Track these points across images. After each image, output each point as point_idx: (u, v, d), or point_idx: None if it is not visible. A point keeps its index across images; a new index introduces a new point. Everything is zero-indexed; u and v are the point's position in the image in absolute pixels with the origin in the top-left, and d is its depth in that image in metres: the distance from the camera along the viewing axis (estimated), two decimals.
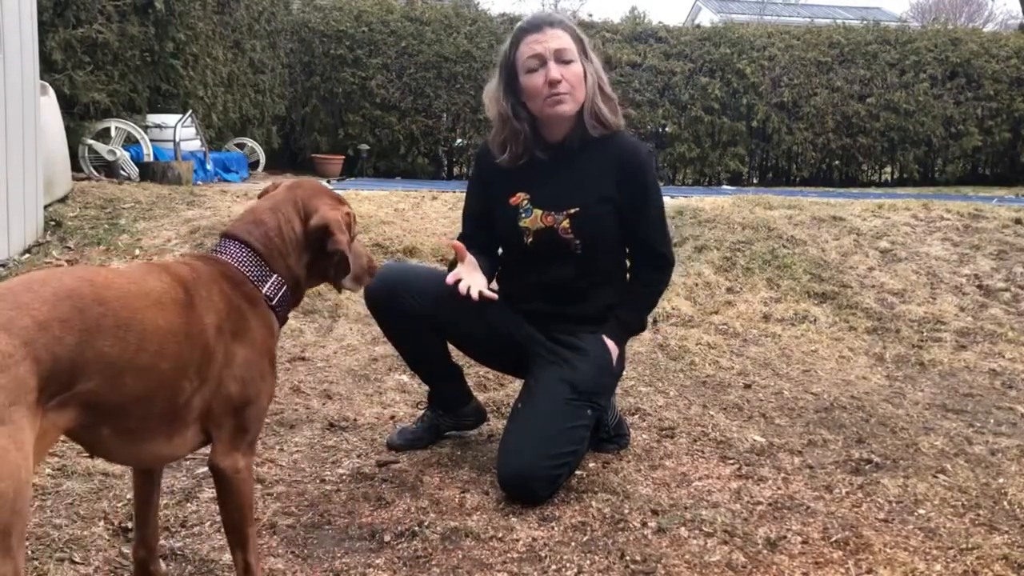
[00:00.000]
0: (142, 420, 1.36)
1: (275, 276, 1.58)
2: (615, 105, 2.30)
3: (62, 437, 1.30)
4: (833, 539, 1.97)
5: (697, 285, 4.44)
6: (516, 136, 2.28)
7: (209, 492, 2.08)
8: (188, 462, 2.24)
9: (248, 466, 1.52)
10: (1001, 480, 2.38)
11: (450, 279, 2.15)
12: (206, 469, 2.20)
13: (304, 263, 1.64)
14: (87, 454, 1.48)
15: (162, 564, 1.69)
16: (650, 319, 4.02)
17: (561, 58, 2.19)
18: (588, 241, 2.26)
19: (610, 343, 2.31)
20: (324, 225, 1.61)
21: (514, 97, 2.27)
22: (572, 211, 2.25)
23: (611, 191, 2.26)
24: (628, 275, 2.42)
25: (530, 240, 2.29)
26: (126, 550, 1.77)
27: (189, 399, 1.42)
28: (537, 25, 2.23)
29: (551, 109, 2.22)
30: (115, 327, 1.28)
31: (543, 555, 1.85)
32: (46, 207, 4.92)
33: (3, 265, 4.27)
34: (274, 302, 1.58)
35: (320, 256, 1.65)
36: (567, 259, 2.28)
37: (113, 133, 6.84)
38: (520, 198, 2.30)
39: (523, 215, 2.29)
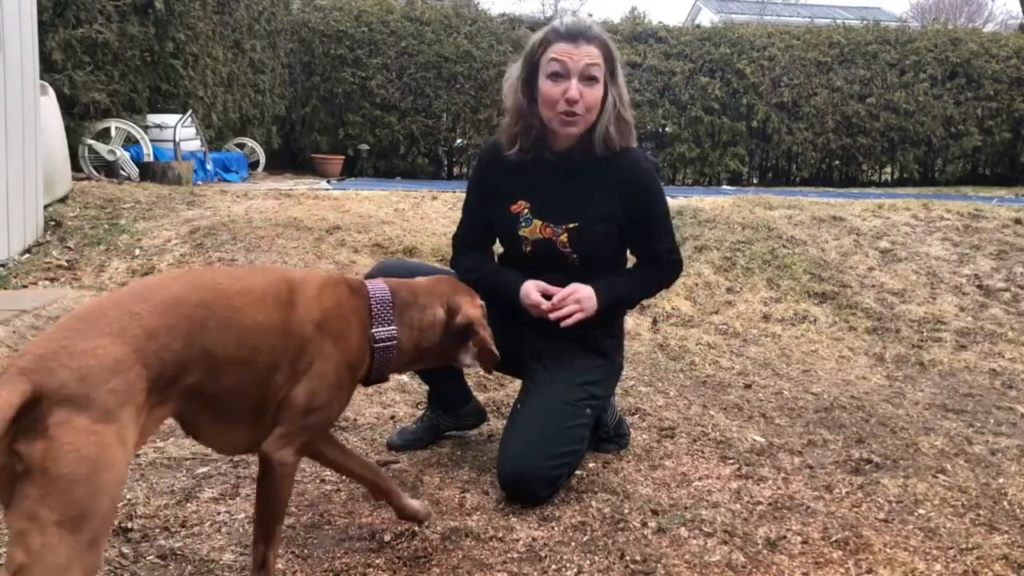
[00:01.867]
0: (236, 409, 1.48)
1: (394, 327, 1.71)
2: (630, 129, 2.25)
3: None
4: (833, 539, 1.97)
5: (697, 285, 4.44)
6: (529, 131, 2.24)
7: (209, 492, 2.08)
8: (188, 462, 2.24)
9: (295, 464, 1.60)
10: (1001, 480, 2.38)
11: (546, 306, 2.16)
12: (207, 469, 2.21)
13: (430, 345, 1.81)
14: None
15: (407, 499, 1.83)
16: (650, 319, 4.03)
17: (586, 75, 2.15)
18: (585, 255, 2.25)
19: (593, 299, 2.20)
20: (469, 323, 1.82)
21: (530, 95, 2.24)
22: (571, 226, 2.23)
23: (613, 209, 2.24)
24: (634, 265, 2.41)
25: (528, 249, 2.28)
26: (126, 550, 1.77)
27: (278, 390, 1.52)
28: (573, 36, 2.16)
29: (559, 128, 2.20)
30: (217, 327, 1.40)
31: (543, 555, 1.85)
32: (46, 207, 4.92)
33: (3, 265, 4.27)
34: (378, 344, 1.69)
35: (451, 343, 1.84)
36: (564, 269, 2.26)
37: (113, 133, 6.84)
38: (521, 206, 2.29)
39: (523, 224, 2.28)
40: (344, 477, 2.23)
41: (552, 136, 2.26)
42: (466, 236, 2.42)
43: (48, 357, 1.19)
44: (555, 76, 2.15)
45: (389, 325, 1.70)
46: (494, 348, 1.85)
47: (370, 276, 1.83)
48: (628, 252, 2.42)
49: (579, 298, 2.18)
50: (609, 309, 2.25)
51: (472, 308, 1.85)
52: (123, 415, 1.21)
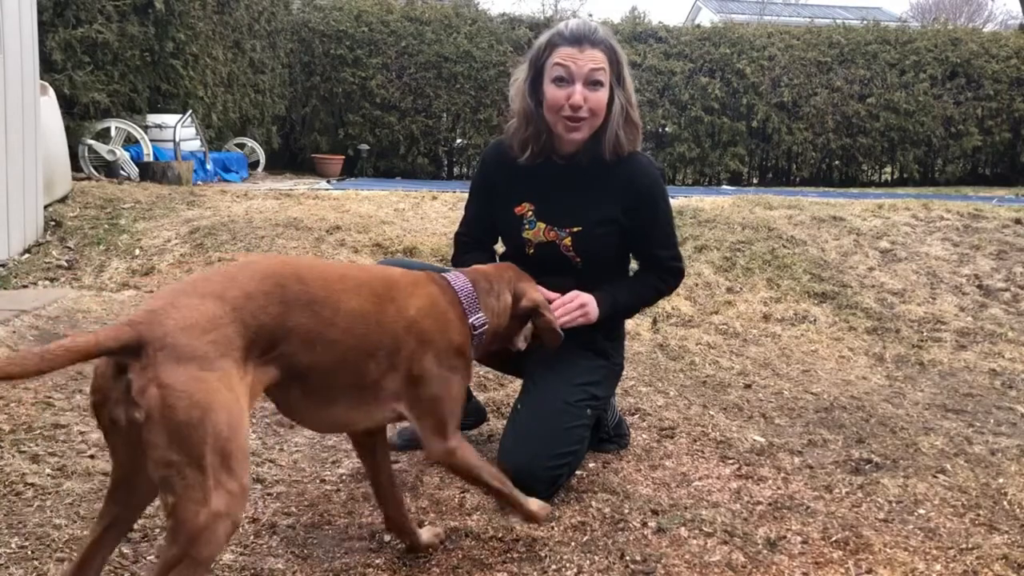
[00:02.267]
0: (327, 387, 1.56)
1: (482, 314, 1.83)
2: (637, 132, 2.25)
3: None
4: (833, 539, 1.97)
5: (697, 285, 4.44)
6: (539, 136, 2.23)
7: None
8: None
9: (459, 445, 1.71)
10: (1001, 480, 2.38)
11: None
12: None
13: (501, 329, 1.91)
14: (276, 410, 1.67)
15: (420, 531, 1.84)
16: (650, 319, 4.03)
17: (590, 79, 2.14)
18: (589, 259, 2.26)
19: (595, 305, 2.21)
20: (535, 306, 1.95)
21: (535, 99, 2.22)
22: (575, 230, 2.23)
23: (616, 214, 2.24)
24: (636, 271, 2.41)
25: (532, 251, 2.28)
26: (126, 550, 1.77)
27: (378, 379, 1.61)
28: (577, 40, 2.15)
29: (564, 133, 2.19)
30: (311, 303, 1.50)
31: (543, 555, 1.85)
32: (46, 207, 4.92)
33: (3, 265, 4.27)
34: (476, 332, 1.81)
35: (512, 327, 1.96)
36: (568, 271, 2.26)
37: (113, 133, 6.84)
38: (525, 208, 2.28)
39: (527, 226, 2.28)
40: (348, 479, 2.22)
41: (558, 140, 2.25)
42: (469, 234, 2.42)
43: (156, 311, 1.31)
44: (559, 81, 2.15)
45: (478, 313, 1.82)
46: (559, 329, 1.98)
47: None
48: (629, 256, 2.42)
49: (582, 302, 2.19)
50: (608, 319, 2.25)
51: (535, 292, 1.98)
52: (224, 364, 1.32)
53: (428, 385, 1.66)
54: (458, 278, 1.84)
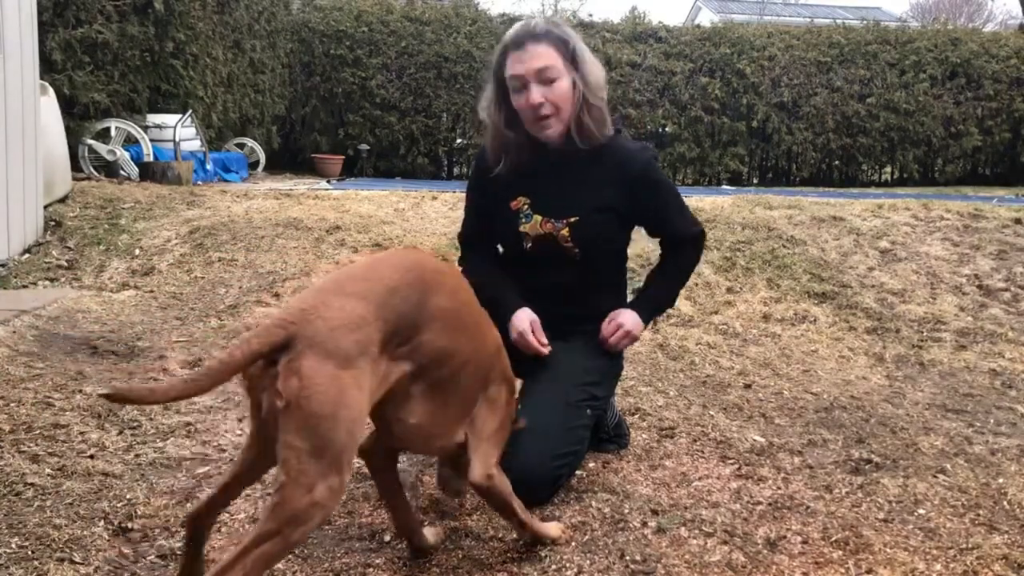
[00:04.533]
0: (444, 390, 1.65)
1: None
2: (602, 112, 2.22)
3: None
4: (833, 539, 1.97)
5: (697, 285, 4.44)
6: (508, 147, 2.26)
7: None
8: (188, 462, 2.24)
9: (498, 472, 1.78)
10: (1001, 480, 2.38)
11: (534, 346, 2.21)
12: (207, 469, 2.21)
13: None
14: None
15: (427, 534, 1.86)
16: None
17: (543, 77, 2.15)
18: (587, 249, 2.26)
19: (635, 317, 2.29)
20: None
21: (507, 110, 2.25)
22: (572, 220, 2.24)
23: (614, 200, 2.25)
24: (660, 256, 2.43)
25: (529, 245, 2.29)
26: (126, 550, 1.77)
27: (474, 398, 1.75)
28: (519, 42, 2.17)
29: (539, 133, 2.22)
30: (449, 289, 1.66)
31: (543, 555, 1.85)
32: (46, 207, 4.92)
33: (3, 265, 4.27)
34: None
35: None
36: (566, 265, 2.27)
37: (113, 133, 6.84)
38: (520, 202, 2.29)
39: (523, 220, 2.28)
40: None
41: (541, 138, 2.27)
42: (472, 234, 2.44)
43: (307, 311, 1.41)
44: (516, 90, 2.19)
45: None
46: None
47: None
48: (628, 246, 2.42)
49: (620, 323, 2.26)
50: (656, 316, 2.37)
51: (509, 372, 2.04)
52: (361, 363, 1.42)
53: (492, 412, 1.79)
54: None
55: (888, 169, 13.05)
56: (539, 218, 2.27)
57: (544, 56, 2.15)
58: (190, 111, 7.58)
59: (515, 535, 1.92)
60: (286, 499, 1.35)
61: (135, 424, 2.46)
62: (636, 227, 2.38)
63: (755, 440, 2.62)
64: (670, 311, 4.11)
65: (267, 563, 1.36)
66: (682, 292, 4.32)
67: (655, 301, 2.39)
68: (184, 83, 7.62)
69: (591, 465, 2.36)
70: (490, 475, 1.76)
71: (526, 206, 2.28)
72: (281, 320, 1.40)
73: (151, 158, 6.91)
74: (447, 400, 1.68)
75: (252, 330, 1.41)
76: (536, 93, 2.14)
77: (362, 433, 1.45)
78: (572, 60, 2.19)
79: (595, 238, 2.26)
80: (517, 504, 1.82)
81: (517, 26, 2.24)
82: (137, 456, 2.25)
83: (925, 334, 4.10)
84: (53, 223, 4.88)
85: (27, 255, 4.49)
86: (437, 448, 1.81)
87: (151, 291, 4.11)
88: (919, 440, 2.69)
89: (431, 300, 1.58)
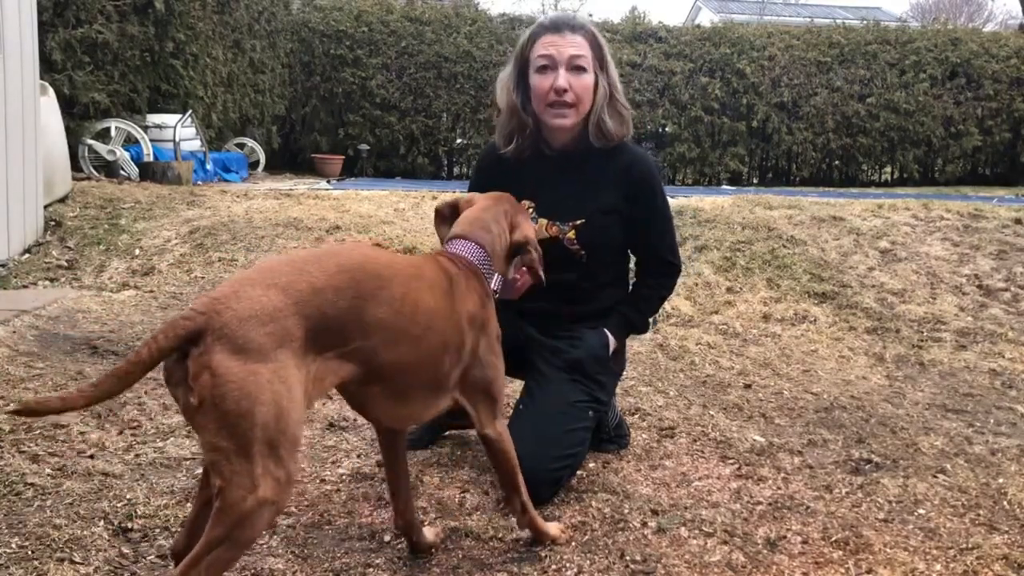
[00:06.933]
0: (409, 385, 1.62)
1: (497, 275, 1.88)
2: (625, 118, 2.26)
3: None
4: (833, 539, 1.97)
5: (697, 285, 4.44)
6: (523, 129, 2.26)
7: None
8: (188, 462, 2.24)
9: (504, 429, 1.81)
10: (1001, 480, 2.38)
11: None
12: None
13: (501, 259, 1.93)
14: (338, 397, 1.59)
15: (427, 533, 1.85)
16: (651, 321, 4.02)
17: (573, 65, 2.16)
18: (593, 250, 2.27)
19: (610, 336, 2.31)
20: (524, 241, 1.93)
21: (523, 93, 2.25)
22: (578, 222, 2.24)
23: (618, 203, 2.25)
24: (635, 277, 2.43)
25: None
26: (126, 550, 1.77)
27: (448, 372, 1.68)
28: (557, 26, 2.19)
29: (551, 120, 2.21)
30: (391, 299, 1.53)
31: (543, 555, 1.85)
32: (46, 207, 4.92)
33: (3, 265, 4.27)
34: (497, 295, 1.88)
35: (508, 257, 1.96)
36: (571, 265, 2.27)
37: (113, 133, 6.84)
38: (525, 205, 2.29)
39: None
40: (348, 479, 2.22)
41: (548, 132, 2.26)
42: None
43: (218, 300, 1.34)
44: (543, 69, 2.18)
45: (494, 273, 1.87)
46: (541, 272, 1.97)
47: None
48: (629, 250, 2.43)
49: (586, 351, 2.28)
50: (626, 337, 2.38)
51: (528, 227, 1.98)
52: (280, 357, 1.34)
53: (481, 369, 1.75)
54: (468, 246, 1.85)
55: (888, 169, 13.05)
56: (544, 221, 2.27)
57: (579, 46, 2.18)
58: (190, 111, 7.58)
59: (515, 528, 1.92)
60: (229, 503, 1.29)
61: (135, 424, 2.46)
62: None
63: (755, 440, 2.62)
64: (670, 311, 4.11)
65: (220, 569, 1.31)
66: (682, 292, 4.36)
67: (629, 323, 2.37)
68: (184, 83, 7.62)
69: (591, 465, 2.36)
70: (500, 431, 1.79)
71: (531, 210, 2.28)
72: (191, 311, 1.32)
73: (151, 158, 6.91)
74: (414, 393, 1.64)
75: (164, 322, 1.34)
76: (563, 78, 2.15)
77: (300, 423, 1.39)
78: (601, 60, 2.21)
79: (600, 239, 2.26)
80: (521, 481, 1.83)
81: (555, 12, 2.27)
82: (137, 456, 2.25)
83: (925, 334, 4.10)
84: (53, 223, 4.88)
85: (27, 255, 4.49)
86: (418, 422, 1.82)
87: (151, 291, 4.11)
88: (919, 440, 2.69)
89: (368, 310, 1.49)
